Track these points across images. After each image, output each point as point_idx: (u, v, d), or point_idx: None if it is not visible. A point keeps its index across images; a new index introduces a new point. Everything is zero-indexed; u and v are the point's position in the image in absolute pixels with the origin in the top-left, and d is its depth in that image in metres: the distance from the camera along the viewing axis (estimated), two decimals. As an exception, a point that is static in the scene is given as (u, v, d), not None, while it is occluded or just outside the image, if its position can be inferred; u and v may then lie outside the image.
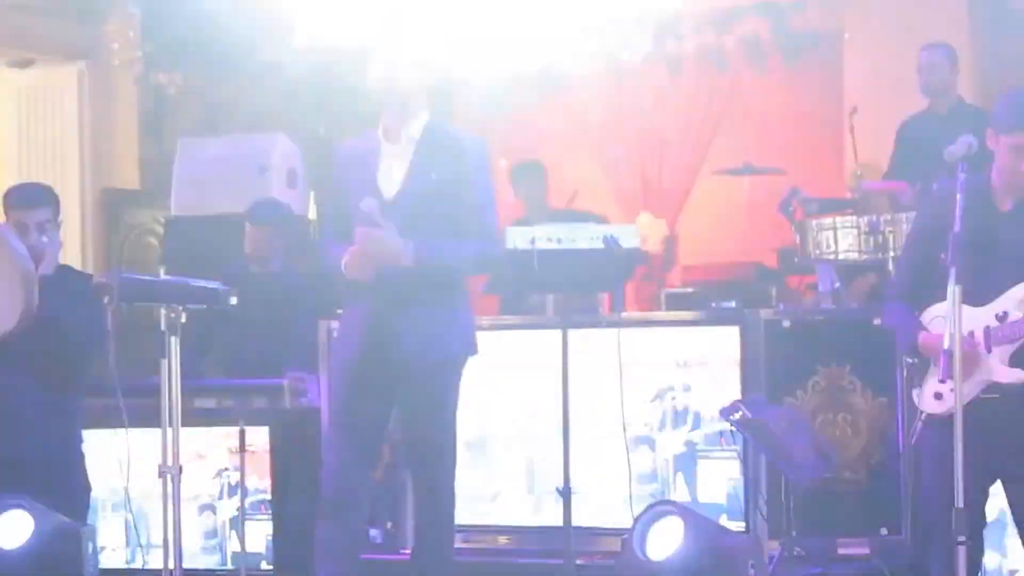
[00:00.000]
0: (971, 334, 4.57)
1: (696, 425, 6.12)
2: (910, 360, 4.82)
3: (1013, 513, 4.85)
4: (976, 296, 4.57)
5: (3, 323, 5.38)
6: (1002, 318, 4.62)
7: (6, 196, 5.90)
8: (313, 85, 9.81)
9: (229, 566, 6.52)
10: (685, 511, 5.28)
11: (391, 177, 5.17)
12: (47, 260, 5.74)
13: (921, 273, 4.82)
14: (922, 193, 6.68)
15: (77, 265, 10.71)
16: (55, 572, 5.39)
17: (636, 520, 5.28)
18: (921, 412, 4.76)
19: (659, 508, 5.35)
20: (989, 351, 4.61)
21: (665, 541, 5.17)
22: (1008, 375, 4.61)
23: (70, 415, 5.87)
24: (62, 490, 5.77)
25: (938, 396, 4.67)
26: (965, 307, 4.55)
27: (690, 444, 6.13)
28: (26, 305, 5.35)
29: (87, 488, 5.98)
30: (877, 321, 5.94)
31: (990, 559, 5.35)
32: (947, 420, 4.61)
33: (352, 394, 5.18)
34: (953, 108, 7.47)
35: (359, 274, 5.05)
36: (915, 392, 4.78)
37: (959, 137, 6.78)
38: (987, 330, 4.62)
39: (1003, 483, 4.80)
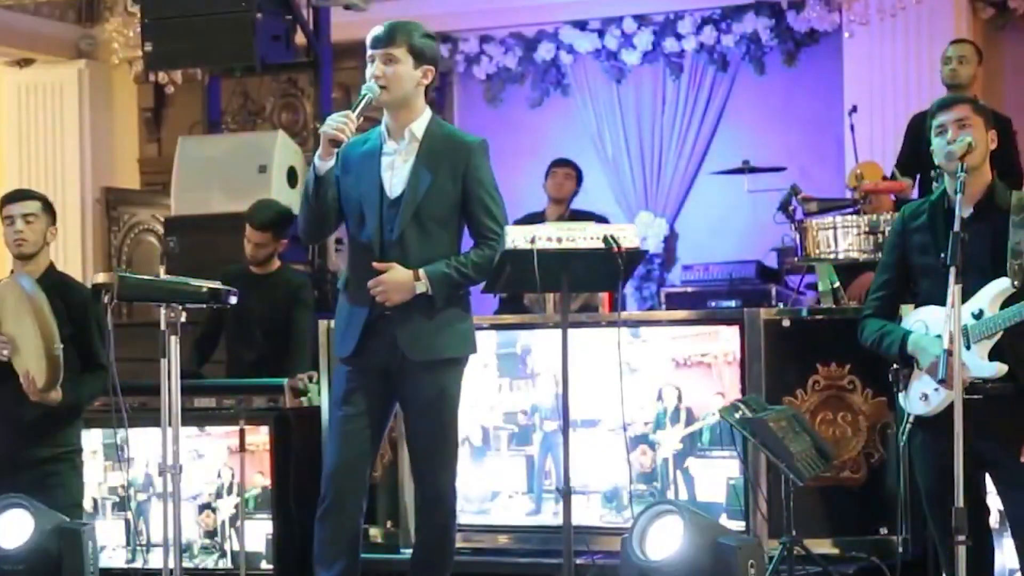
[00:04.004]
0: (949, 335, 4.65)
1: (696, 425, 6.12)
2: (895, 365, 4.90)
3: (1004, 508, 4.92)
4: (946, 300, 4.64)
5: (32, 384, 5.60)
6: (978, 315, 4.73)
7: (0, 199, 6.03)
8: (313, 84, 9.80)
9: (229, 566, 6.52)
10: (684, 510, 5.27)
11: (395, 175, 5.16)
12: (36, 260, 5.86)
13: (896, 286, 4.99)
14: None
15: (77, 265, 10.76)
16: (56, 571, 5.39)
17: (635, 519, 5.28)
18: (909, 415, 4.85)
19: (658, 507, 5.34)
20: (969, 348, 4.69)
21: (664, 540, 5.16)
22: (988, 369, 4.71)
23: (68, 419, 5.88)
24: (58, 490, 5.78)
25: (924, 397, 4.77)
26: (941, 310, 4.68)
27: (690, 444, 6.13)
28: (49, 382, 5.57)
29: (81, 490, 5.99)
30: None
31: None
32: (934, 420, 4.76)
33: (352, 393, 5.18)
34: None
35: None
36: (901, 395, 4.87)
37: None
38: (965, 328, 4.69)
39: (992, 479, 4.86)
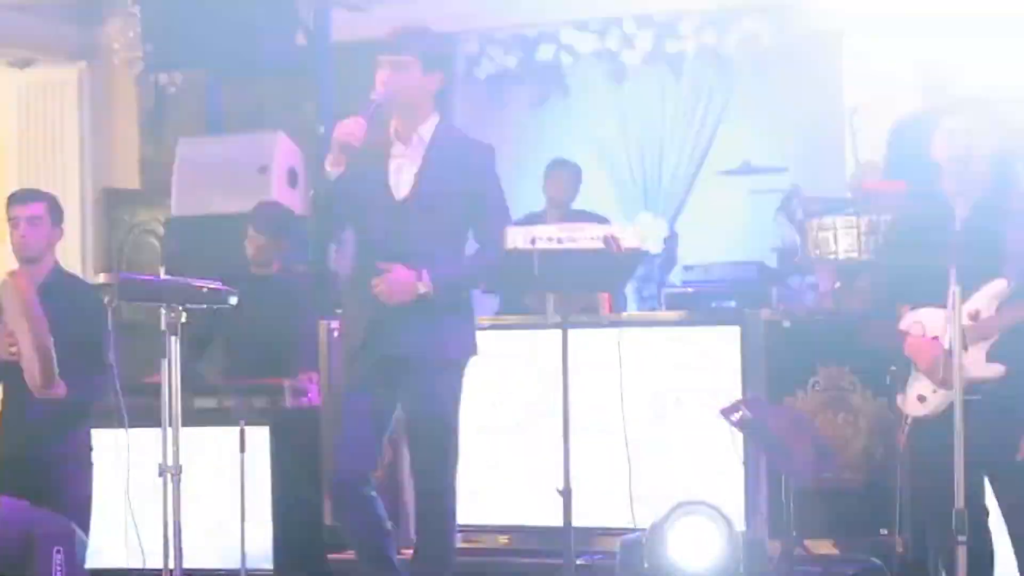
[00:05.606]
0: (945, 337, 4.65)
1: (696, 425, 6.12)
2: (893, 367, 4.91)
3: (1001, 509, 4.92)
4: (943, 301, 4.63)
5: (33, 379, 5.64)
6: (975, 316, 4.72)
7: (7, 199, 6.03)
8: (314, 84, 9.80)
9: (229, 566, 6.52)
10: (711, 510, 5.29)
11: (402, 178, 5.19)
12: (41, 261, 5.85)
13: (894, 287, 4.99)
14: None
15: (77, 265, 10.75)
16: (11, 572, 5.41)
17: (660, 520, 5.27)
18: (907, 416, 4.85)
19: (683, 507, 5.35)
20: (966, 349, 4.69)
21: (694, 541, 5.18)
22: (986, 370, 4.73)
23: (77, 418, 5.89)
24: (67, 490, 5.78)
25: (921, 399, 4.80)
26: (939, 311, 4.65)
27: (690, 443, 6.13)
28: (44, 377, 5.60)
29: (91, 489, 5.99)
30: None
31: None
32: (932, 422, 4.78)
33: (354, 391, 5.21)
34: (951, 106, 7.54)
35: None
36: (899, 397, 4.88)
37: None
38: (962, 329, 4.69)
39: (990, 480, 4.87)
